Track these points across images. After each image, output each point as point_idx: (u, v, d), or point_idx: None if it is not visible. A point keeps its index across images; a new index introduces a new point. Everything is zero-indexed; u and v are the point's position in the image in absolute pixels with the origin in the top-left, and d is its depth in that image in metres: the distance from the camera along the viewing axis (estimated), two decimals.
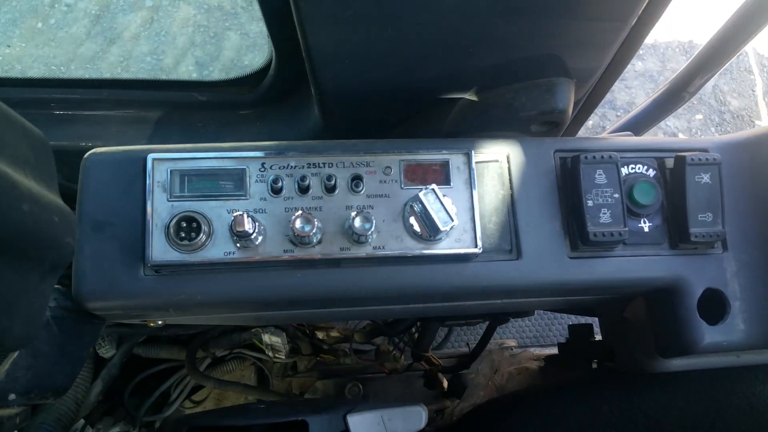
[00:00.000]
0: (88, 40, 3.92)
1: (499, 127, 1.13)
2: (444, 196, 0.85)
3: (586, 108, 1.27)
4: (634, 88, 4.08)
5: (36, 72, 3.62)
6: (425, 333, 1.60)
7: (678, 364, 1.03)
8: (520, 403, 1.18)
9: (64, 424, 1.39)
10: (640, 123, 1.47)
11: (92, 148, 1.21)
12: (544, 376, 1.44)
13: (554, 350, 1.60)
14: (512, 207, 0.94)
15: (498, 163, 0.96)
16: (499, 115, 1.11)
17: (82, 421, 1.63)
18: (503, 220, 0.94)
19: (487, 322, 1.55)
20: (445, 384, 1.75)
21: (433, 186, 0.85)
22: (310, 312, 1.06)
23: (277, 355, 1.84)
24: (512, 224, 0.93)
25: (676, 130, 4.11)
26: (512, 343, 1.84)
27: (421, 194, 0.85)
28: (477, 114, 1.13)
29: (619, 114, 3.94)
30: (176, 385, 1.86)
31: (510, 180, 0.95)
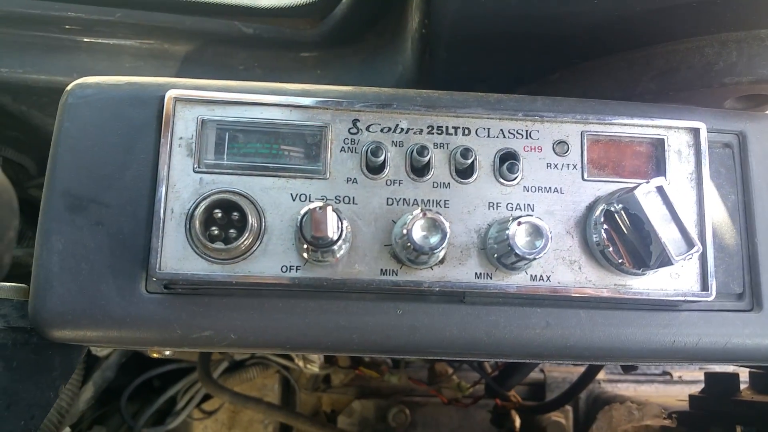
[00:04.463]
0: None
1: (682, 99, 0.78)
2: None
3: None
4: None
5: None
6: (518, 370, 1.26)
7: None
8: None
9: None
10: None
11: None
12: None
13: (668, 391, 1.25)
14: (749, 224, 0.58)
15: (728, 148, 0.59)
16: (691, 78, 0.76)
17: (67, 430, 1.31)
18: (733, 244, 0.58)
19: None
20: (517, 423, 1.41)
21: (661, 180, 0.49)
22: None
23: (308, 365, 1.51)
24: (748, 252, 0.57)
25: None
26: (600, 374, 1.49)
27: (638, 192, 0.49)
28: (656, 76, 0.78)
29: None
30: (185, 391, 1.54)
31: (745, 178, 0.59)
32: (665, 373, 1.64)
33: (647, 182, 0.49)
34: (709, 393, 1.14)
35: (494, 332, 0.55)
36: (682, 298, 0.53)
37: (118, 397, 1.47)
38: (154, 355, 0.70)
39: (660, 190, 0.49)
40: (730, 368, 1.19)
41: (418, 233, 0.49)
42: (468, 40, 0.76)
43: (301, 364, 1.52)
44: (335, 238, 0.48)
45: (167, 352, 0.70)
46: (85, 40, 1.00)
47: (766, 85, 0.75)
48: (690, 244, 0.48)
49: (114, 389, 1.45)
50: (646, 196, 0.49)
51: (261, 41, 1.01)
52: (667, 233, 0.48)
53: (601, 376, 1.53)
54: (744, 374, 1.15)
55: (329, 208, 0.47)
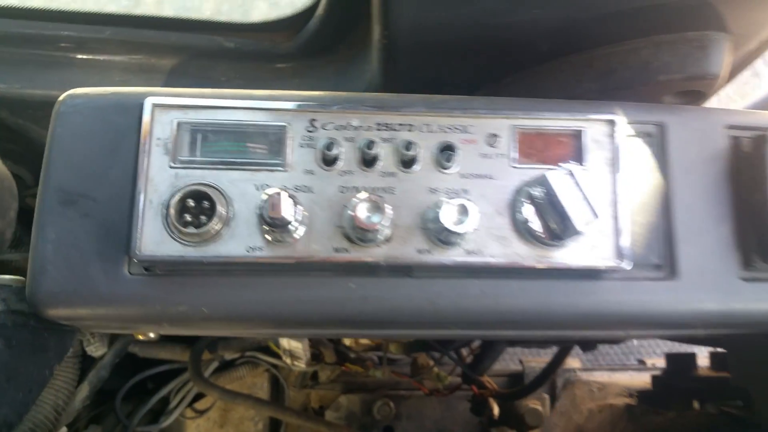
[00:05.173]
0: None
1: (623, 96, 0.85)
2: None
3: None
4: None
5: None
6: (487, 355, 1.32)
7: None
8: None
9: None
10: None
11: None
12: (632, 417, 1.15)
13: (629, 376, 1.31)
14: (666, 203, 0.65)
15: (649, 138, 0.67)
16: (629, 77, 0.83)
17: (64, 430, 1.37)
18: (653, 221, 0.65)
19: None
20: (496, 410, 1.47)
21: (570, 165, 0.56)
22: (360, 333, 0.78)
23: (296, 363, 1.57)
24: (665, 227, 0.65)
25: None
26: (575, 364, 1.55)
27: (550, 175, 0.56)
28: (597, 76, 0.85)
29: None
30: (177, 391, 1.59)
31: (664, 163, 0.67)
32: (640, 361, 1.71)
33: (557, 167, 0.57)
34: (670, 372, 1.21)
35: (437, 301, 0.62)
36: (601, 267, 0.61)
37: (113, 398, 1.53)
38: (140, 336, 0.76)
39: (570, 173, 0.56)
40: (691, 348, 1.26)
41: (363, 213, 0.56)
42: (423, 48, 0.82)
43: (288, 361, 1.58)
44: (290, 219, 0.56)
45: (152, 335, 0.76)
46: (78, 56, 1.04)
47: (697, 81, 0.82)
48: (594, 215, 0.56)
49: (109, 390, 1.51)
50: (559, 178, 0.56)
51: (241, 54, 1.05)
52: (575, 209, 0.55)
53: (576, 365, 1.60)
54: (702, 357, 1.21)
55: (284, 193, 0.55)
